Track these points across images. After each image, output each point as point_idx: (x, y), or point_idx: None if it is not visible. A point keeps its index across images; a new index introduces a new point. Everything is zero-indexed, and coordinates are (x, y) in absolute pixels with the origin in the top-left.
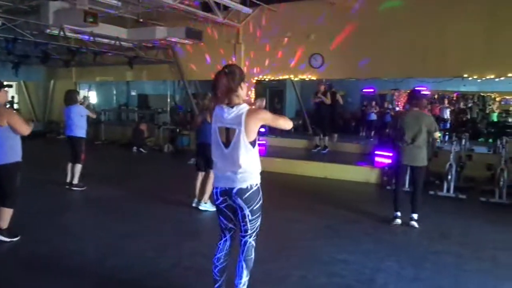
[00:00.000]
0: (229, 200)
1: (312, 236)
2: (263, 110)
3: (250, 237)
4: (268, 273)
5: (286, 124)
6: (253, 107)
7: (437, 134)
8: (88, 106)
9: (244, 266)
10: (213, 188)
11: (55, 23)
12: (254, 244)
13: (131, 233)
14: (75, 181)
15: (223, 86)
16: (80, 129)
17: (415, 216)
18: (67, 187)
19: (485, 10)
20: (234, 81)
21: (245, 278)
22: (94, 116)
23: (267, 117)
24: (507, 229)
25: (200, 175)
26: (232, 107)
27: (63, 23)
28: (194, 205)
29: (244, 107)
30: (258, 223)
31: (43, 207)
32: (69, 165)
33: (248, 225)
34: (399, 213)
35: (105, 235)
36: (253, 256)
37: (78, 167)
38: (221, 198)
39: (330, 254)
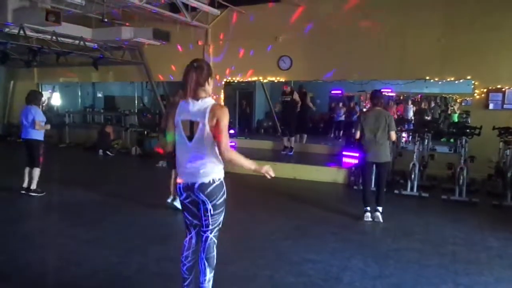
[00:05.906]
0: (192, 195)
1: (280, 236)
2: (227, 115)
3: (211, 233)
4: (236, 273)
5: (233, 155)
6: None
7: (393, 135)
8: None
9: (206, 264)
10: (177, 184)
11: (14, 22)
12: (216, 241)
13: (95, 239)
14: (33, 186)
15: (192, 80)
16: (36, 132)
17: (380, 208)
18: (23, 192)
19: (441, 18)
20: (202, 76)
21: (209, 274)
22: (42, 129)
23: (224, 122)
24: (466, 225)
25: (174, 173)
26: (198, 99)
27: (23, 22)
28: (169, 200)
29: (210, 101)
30: (221, 218)
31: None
32: (27, 170)
33: (210, 219)
34: (369, 208)
35: (68, 242)
36: (214, 253)
37: (37, 171)
38: (184, 194)
39: (298, 253)
